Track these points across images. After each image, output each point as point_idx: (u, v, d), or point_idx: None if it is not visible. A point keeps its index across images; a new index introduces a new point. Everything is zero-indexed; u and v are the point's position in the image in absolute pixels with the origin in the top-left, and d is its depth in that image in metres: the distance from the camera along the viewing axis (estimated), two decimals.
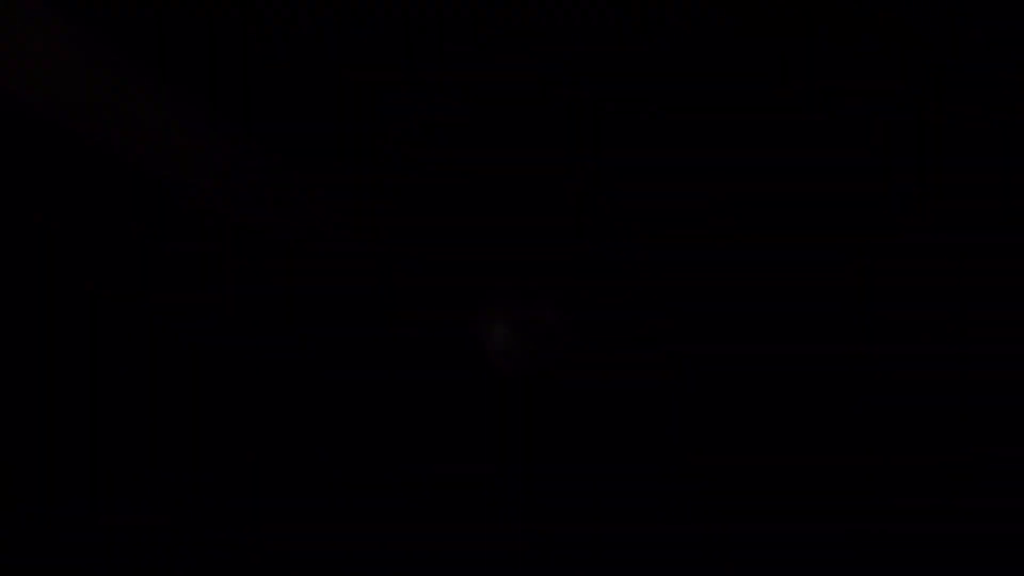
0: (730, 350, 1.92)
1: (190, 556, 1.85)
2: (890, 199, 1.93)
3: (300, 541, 1.87)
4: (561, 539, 1.90)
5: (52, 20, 1.81)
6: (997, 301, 1.91)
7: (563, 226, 1.93)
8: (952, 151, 1.92)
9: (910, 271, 1.93)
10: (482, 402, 1.91)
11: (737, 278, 1.92)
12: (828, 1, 1.89)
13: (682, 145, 1.92)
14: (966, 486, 1.88)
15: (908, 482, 1.89)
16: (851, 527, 1.88)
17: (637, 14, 1.90)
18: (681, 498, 1.90)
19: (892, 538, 1.88)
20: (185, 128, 1.86)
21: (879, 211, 1.93)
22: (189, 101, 1.87)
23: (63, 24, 1.81)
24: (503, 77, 1.92)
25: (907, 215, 1.93)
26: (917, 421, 1.91)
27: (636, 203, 1.94)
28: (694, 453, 1.91)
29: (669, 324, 1.93)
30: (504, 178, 1.92)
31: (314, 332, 1.91)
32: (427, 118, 1.92)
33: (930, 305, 1.92)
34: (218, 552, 1.86)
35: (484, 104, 1.92)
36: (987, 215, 1.92)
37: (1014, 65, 1.90)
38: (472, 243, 1.92)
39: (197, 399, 1.89)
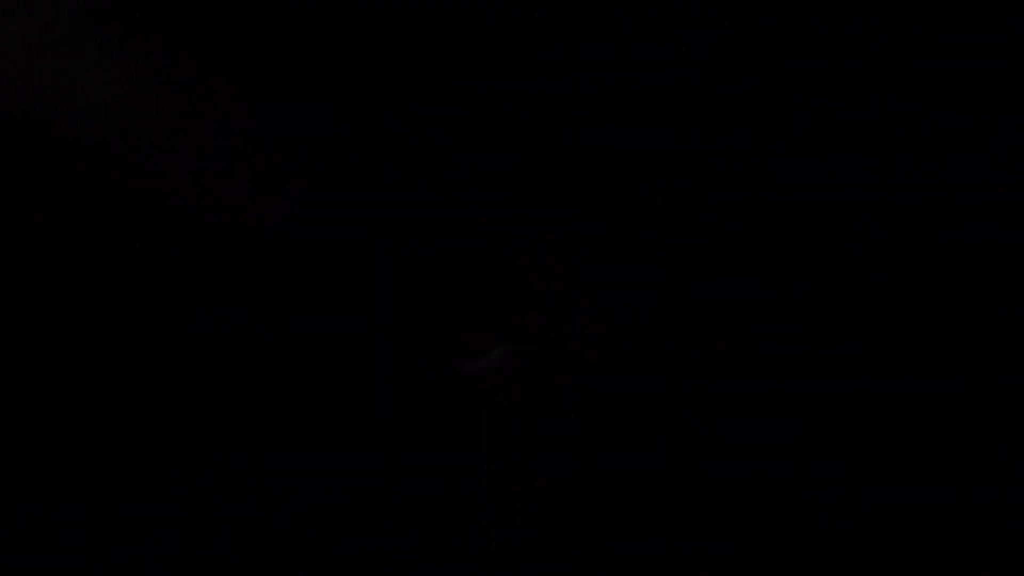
0: (724, 352, 1.93)
1: (186, 555, 1.86)
2: (889, 198, 1.93)
3: (294, 543, 1.87)
4: (557, 544, 1.90)
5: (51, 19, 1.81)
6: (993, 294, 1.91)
7: (560, 239, 1.94)
8: (952, 151, 1.92)
9: (910, 271, 1.93)
10: (475, 416, 1.92)
11: (731, 284, 1.93)
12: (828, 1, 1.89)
13: (678, 150, 1.92)
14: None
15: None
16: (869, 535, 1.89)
17: (637, 14, 1.91)
18: (677, 506, 1.90)
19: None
20: (184, 123, 1.86)
21: (879, 210, 1.93)
22: (186, 97, 1.87)
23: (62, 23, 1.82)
24: (506, 75, 1.92)
25: (907, 215, 1.93)
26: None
27: (633, 204, 1.94)
28: (689, 464, 1.92)
29: (663, 335, 1.93)
30: (502, 180, 1.93)
31: (312, 333, 1.92)
32: (429, 122, 1.93)
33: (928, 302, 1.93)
34: (213, 551, 1.86)
35: (482, 106, 1.92)
36: (987, 214, 1.92)
37: (1014, 65, 1.90)
38: (470, 248, 1.93)
39: (195, 398, 1.90)
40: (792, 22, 1.89)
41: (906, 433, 1.92)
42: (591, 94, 1.93)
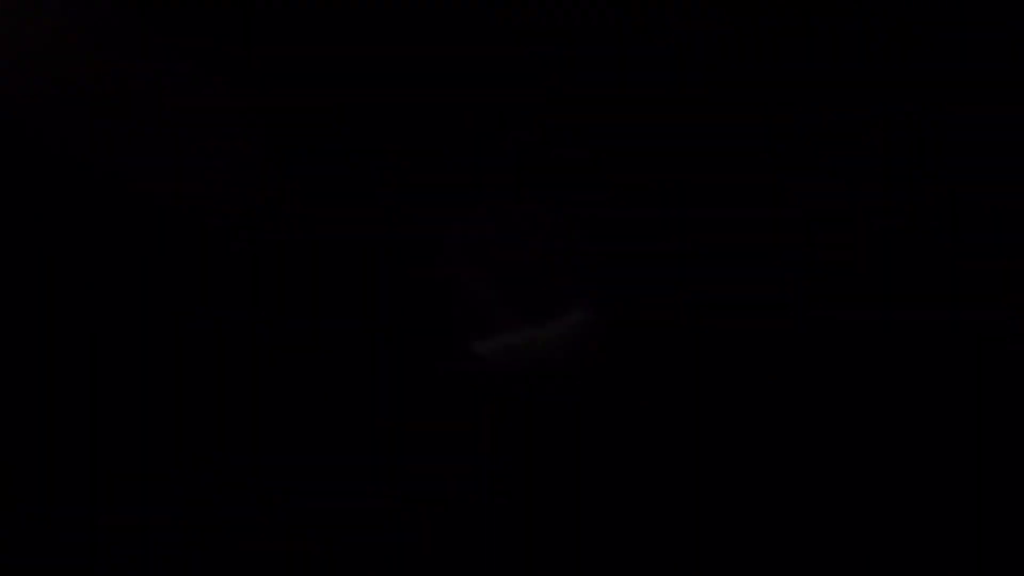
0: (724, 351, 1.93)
1: (186, 555, 1.86)
2: (888, 196, 1.93)
3: (294, 543, 1.87)
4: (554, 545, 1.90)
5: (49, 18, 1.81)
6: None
7: (558, 232, 1.94)
8: (952, 151, 1.92)
9: (909, 271, 1.93)
10: (477, 404, 1.92)
11: (727, 283, 1.93)
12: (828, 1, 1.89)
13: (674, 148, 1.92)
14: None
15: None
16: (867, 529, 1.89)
17: (638, 14, 1.91)
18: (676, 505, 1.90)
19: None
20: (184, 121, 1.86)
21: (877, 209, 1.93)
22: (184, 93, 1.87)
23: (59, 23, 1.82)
24: (506, 75, 1.92)
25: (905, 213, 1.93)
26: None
27: (632, 203, 1.94)
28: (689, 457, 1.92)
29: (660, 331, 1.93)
30: (502, 180, 1.93)
31: (312, 333, 1.92)
32: (429, 122, 1.93)
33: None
34: (213, 551, 1.86)
35: (482, 106, 1.92)
36: (986, 213, 1.92)
37: (1014, 65, 1.90)
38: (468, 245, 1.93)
39: (195, 398, 1.90)
40: (792, 22, 1.89)
41: (906, 432, 1.92)
42: (591, 94, 1.93)
